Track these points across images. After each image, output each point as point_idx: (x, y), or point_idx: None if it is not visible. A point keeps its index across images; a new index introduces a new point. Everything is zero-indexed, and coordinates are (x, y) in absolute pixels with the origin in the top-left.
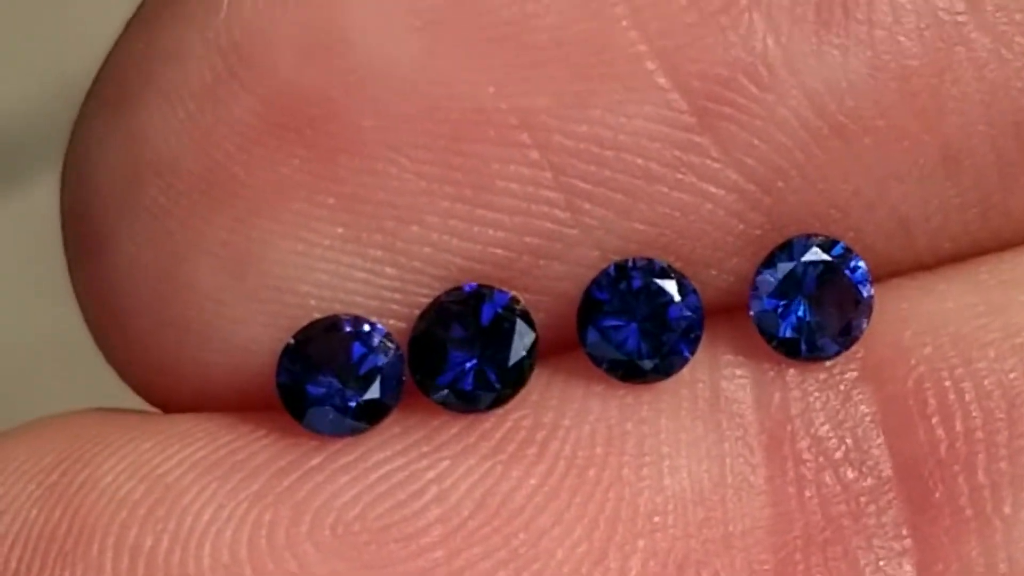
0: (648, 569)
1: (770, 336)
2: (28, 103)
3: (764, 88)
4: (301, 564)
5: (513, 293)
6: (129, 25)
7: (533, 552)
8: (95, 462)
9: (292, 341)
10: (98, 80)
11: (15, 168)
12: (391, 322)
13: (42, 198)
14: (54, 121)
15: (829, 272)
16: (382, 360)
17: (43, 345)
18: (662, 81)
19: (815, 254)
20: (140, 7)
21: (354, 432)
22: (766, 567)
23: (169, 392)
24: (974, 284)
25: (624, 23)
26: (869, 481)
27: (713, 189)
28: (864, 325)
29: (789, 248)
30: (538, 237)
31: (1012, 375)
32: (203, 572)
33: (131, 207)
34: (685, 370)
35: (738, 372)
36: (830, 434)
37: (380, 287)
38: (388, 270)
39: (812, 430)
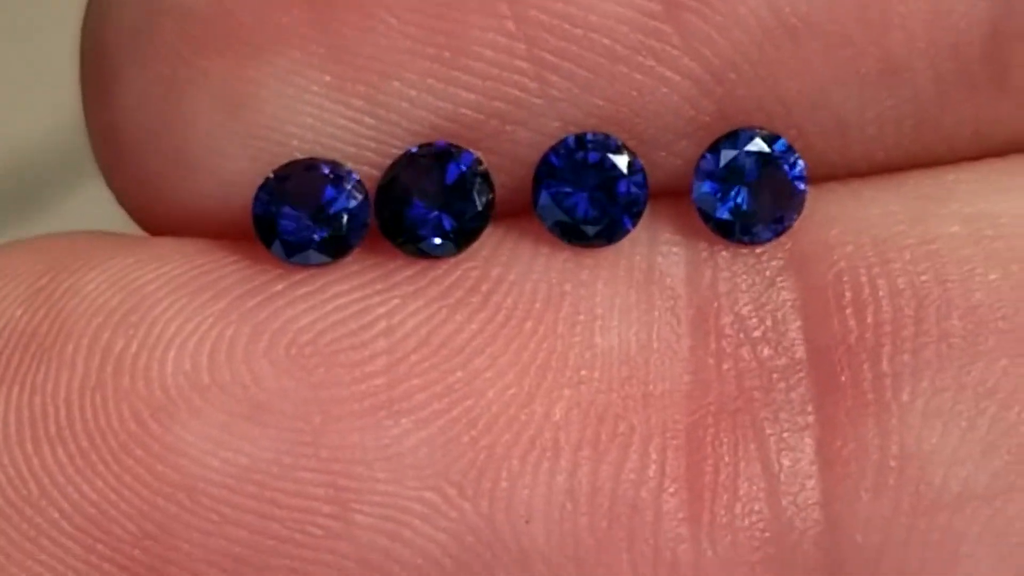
0: (570, 416)
1: (707, 217)
2: (43, 134)
3: None
4: (255, 378)
5: (478, 154)
6: None
7: (467, 389)
8: (80, 272)
9: (271, 176)
10: None
11: (33, 197)
12: (364, 168)
13: (58, 226)
14: (68, 151)
15: (769, 164)
16: (351, 203)
17: None
18: None
19: (758, 145)
20: None
21: (317, 264)
22: (679, 426)
23: (159, 217)
24: (899, 194)
25: None
26: (783, 360)
27: (670, 74)
28: (795, 217)
29: (734, 137)
30: (506, 103)
31: (923, 278)
32: (165, 376)
33: (145, 43)
34: (625, 241)
35: (674, 249)
36: (752, 314)
37: (358, 135)
38: (367, 119)
39: (736, 308)
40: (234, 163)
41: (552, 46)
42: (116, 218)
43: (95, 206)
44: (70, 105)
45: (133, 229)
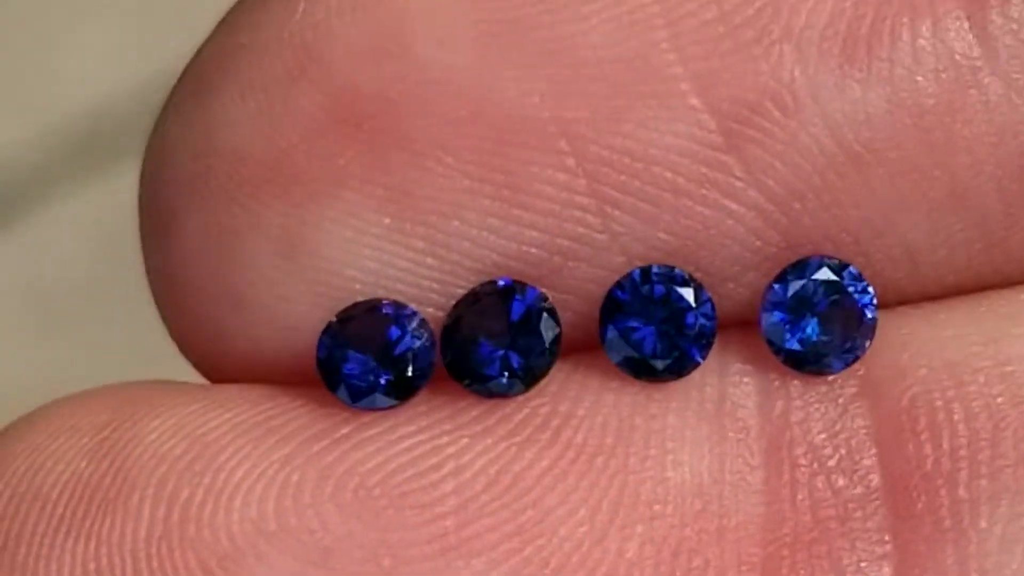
0: (644, 552)
1: (778, 348)
2: (22, 143)
3: (788, 114)
4: (323, 522)
5: (542, 290)
6: (217, 25)
7: (538, 528)
8: (143, 421)
9: (334, 319)
10: (184, 73)
11: (10, 208)
12: (428, 310)
13: (36, 236)
14: (48, 161)
15: (838, 292)
16: (416, 343)
17: (39, 382)
18: (694, 102)
19: (825, 274)
20: (229, 10)
21: (384, 407)
22: (754, 559)
23: (221, 363)
24: (972, 315)
25: (663, 46)
26: (858, 489)
27: (734, 206)
28: (867, 345)
29: (802, 266)
30: (569, 240)
31: (999, 400)
32: (232, 524)
33: (200, 190)
34: (695, 374)
35: (745, 380)
36: (826, 443)
37: (420, 276)
38: (429, 260)
39: (809, 438)
40: (295, 307)
41: (613, 181)
42: (93, 230)
43: (69, 216)
44: (44, 113)
45: (122, 239)
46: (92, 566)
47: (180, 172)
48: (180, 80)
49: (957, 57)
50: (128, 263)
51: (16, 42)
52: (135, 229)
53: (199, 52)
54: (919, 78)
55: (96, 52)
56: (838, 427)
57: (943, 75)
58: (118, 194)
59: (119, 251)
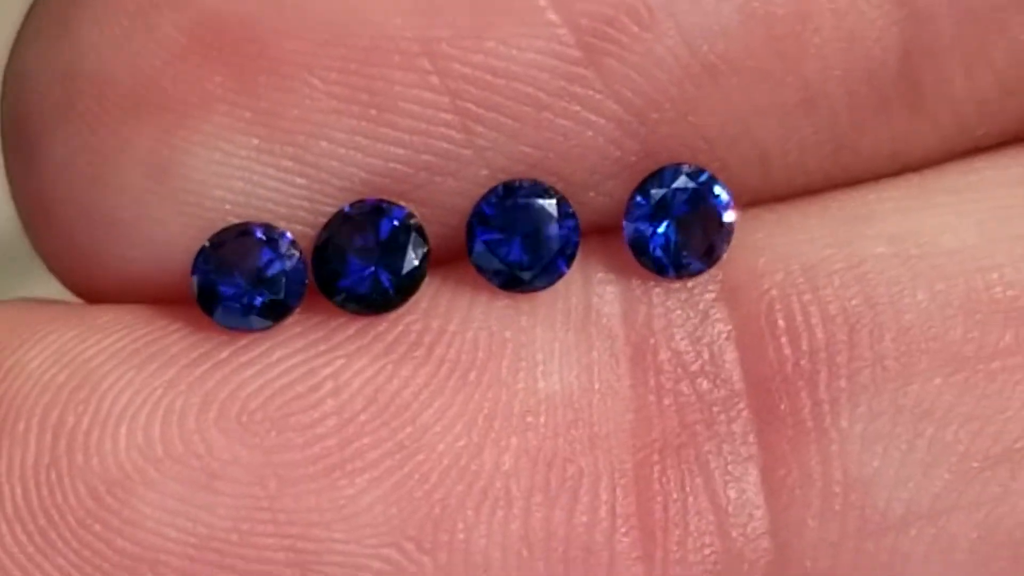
0: (520, 464)
1: (641, 254)
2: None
3: (644, 27)
4: (208, 447)
5: (409, 208)
6: None
7: (417, 445)
8: (22, 349)
9: (207, 244)
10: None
11: None
12: (298, 228)
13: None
14: None
15: (695, 198)
16: (287, 264)
17: None
18: (552, 17)
19: (683, 181)
20: None
21: (259, 328)
22: (626, 466)
23: (94, 285)
24: (825, 218)
25: None
26: (722, 392)
27: (594, 118)
28: (726, 247)
29: (660, 175)
30: (434, 155)
31: (853, 302)
32: (119, 451)
33: (66, 115)
34: (560, 284)
35: (609, 288)
36: (688, 348)
37: (289, 195)
38: (298, 180)
39: (672, 344)
40: (167, 229)
41: (475, 97)
42: None
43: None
44: None
45: None
46: None
47: (45, 96)
48: (35, 6)
49: None
50: None
51: None
52: None
53: None
54: None
55: None
56: (699, 332)
57: None
58: None
59: None
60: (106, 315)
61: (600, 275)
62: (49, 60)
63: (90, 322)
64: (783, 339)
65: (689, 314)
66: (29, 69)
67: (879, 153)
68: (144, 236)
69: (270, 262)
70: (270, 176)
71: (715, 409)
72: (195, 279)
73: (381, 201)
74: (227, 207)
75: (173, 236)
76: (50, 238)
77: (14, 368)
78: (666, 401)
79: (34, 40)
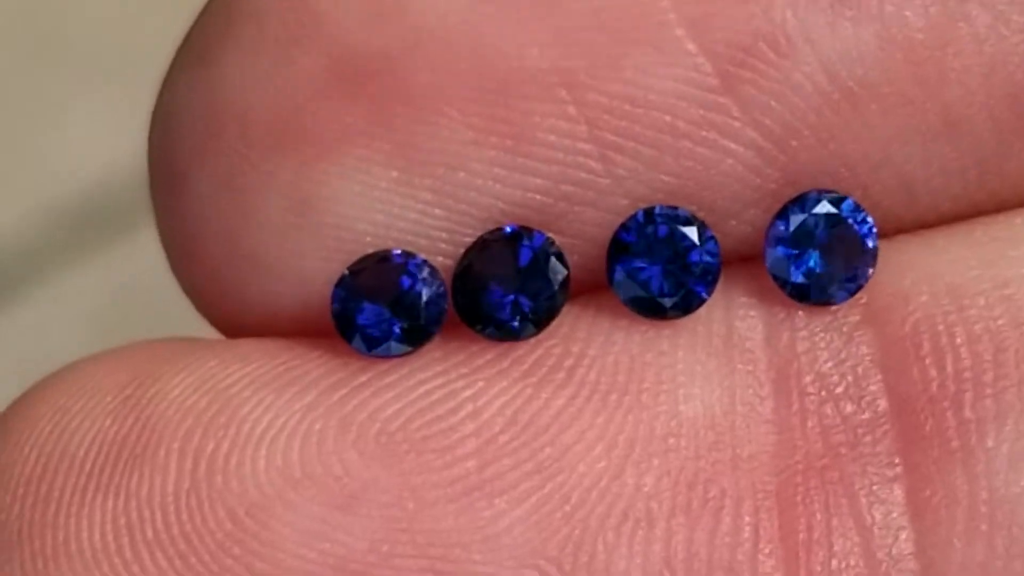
0: (661, 484)
1: (783, 282)
2: (16, 223)
3: (782, 55)
4: (346, 468)
5: (549, 234)
6: None
7: (557, 465)
8: (165, 378)
9: (347, 272)
10: (187, 37)
11: (5, 288)
12: (438, 259)
13: (31, 317)
14: (42, 241)
15: (838, 224)
16: (427, 290)
17: None
18: (690, 46)
19: (825, 207)
20: None
21: (399, 355)
22: (769, 487)
23: (237, 319)
24: (970, 241)
25: None
26: (866, 414)
27: (733, 146)
28: (869, 274)
29: (802, 201)
30: (573, 185)
31: (999, 322)
32: (258, 473)
33: (209, 150)
34: (702, 309)
35: (751, 313)
36: (832, 371)
37: (429, 227)
38: (437, 211)
39: (816, 367)
40: (308, 263)
41: (613, 126)
42: (88, 310)
43: (64, 296)
44: (37, 193)
45: (117, 318)
46: (123, 521)
47: (189, 133)
48: (184, 44)
49: None
50: (123, 342)
51: (8, 122)
52: (130, 308)
53: (201, 16)
54: (908, 13)
55: (89, 130)
56: (843, 355)
57: (931, 9)
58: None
59: (114, 331)
60: (247, 346)
61: (742, 301)
62: (194, 95)
63: (231, 352)
64: (928, 360)
65: (833, 337)
66: (175, 104)
67: None
68: (287, 270)
69: (411, 287)
70: (410, 208)
71: (860, 431)
72: (333, 307)
73: (521, 228)
74: (368, 239)
75: (315, 269)
76: (194, 274)
77: (156, 396)
78: (810, 423)
79: (180, 75)
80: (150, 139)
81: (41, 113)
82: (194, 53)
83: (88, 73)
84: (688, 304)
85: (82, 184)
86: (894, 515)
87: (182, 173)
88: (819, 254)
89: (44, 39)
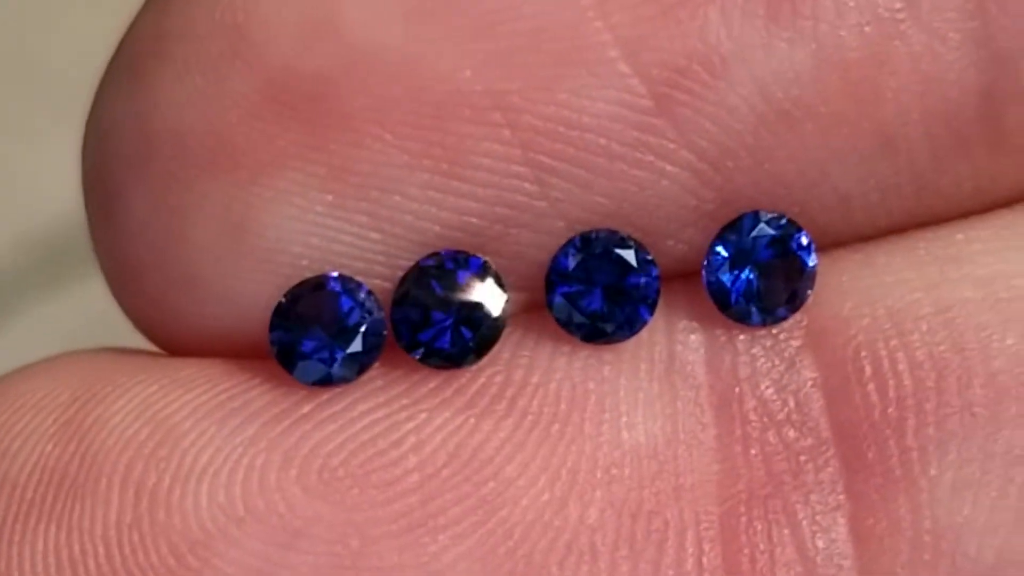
0: (604, 517)
1: (723, 304)
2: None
3: (717, 76)
4: (289, 505)
5: (486, 258)
6: (144, 5)
7: (500, 499)
8: (106, 402)
9: (283, 299)
10: (116, 54)
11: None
12: (375, 282)
13: (8, 345)
14: (20, 269)
15: (776, 244)
16: (365, 317)
17: None
18: (623, 68)
19: (763, 228)
20: None
21: (340, 383)
22: (712, 517)
23: (176, 341)
24: (911, 259)
25: (590, 14)
26: (809, 441)
27: (669, 167)
28: (809, 292)
29: (739, 223)
30: (509, 208)
31: (941, 348)
32: (200, 509)
33: (143, 171)
34: (644, 333)
35: (692, 337)
36: (775, 396)
37: (365, 250)
38: (373, 235)
39: (758, 393)
40: (245, 285)
41: (548, 149)
42: (67, 338)
43: (42, 324)
44: (15, 221)
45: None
46: (65, 553)
47: (122, 152)
48: (114, 59)
49: (880, 10)
50: None
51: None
52: (105, 339)
53: (131, 31)
54: (843, 33)
55: (64, 160)
56: (785, 380)
57: (866, 28)
58: (88, 304)
59: None
60: (188, 368)
61: (683, 323)
62: (127, 116)
63: (172, 375)
64: (870, 386)
65: (774, 362)
66: (107, 123)
67: (962, 192)
68: (223, 293)
69: (350, 312)
70: (345, 232)
71: (802, 458)
72: (273, 336)
73: (458, 252)
74: (304, 263)
75: (251, 293)
76: (131, 294)
77: (96, 424)
78: (752, 451)
79: (111, 94)
80: (83, 153)
81: (16, 143)
82: (125, 69)
83: (63, 103)
84: (630, 327)
85: (57, 215)
86: (838, 544)
87: (116, 192)
88: (757, 275)
89: (18, 70)
